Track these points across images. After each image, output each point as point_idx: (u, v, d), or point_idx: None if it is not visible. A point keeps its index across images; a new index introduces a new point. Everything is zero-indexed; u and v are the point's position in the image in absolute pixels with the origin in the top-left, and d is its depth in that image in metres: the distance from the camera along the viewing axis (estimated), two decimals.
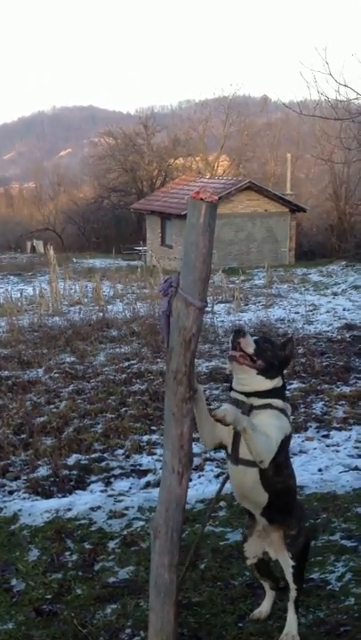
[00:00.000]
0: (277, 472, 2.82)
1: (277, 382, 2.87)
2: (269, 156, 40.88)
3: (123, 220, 40.43)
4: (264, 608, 3.26)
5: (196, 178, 30.55)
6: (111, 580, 3.73)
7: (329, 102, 12.67)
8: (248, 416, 2.76)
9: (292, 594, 3.01)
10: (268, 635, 3.10)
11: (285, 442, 2.82)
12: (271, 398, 2.83)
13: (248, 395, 2.85)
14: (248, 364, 2.81)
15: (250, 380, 2.83)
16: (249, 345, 2.81)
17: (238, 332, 2.84)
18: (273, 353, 2.86)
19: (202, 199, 2.51)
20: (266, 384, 2.83)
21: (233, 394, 2.90)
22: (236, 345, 2.81)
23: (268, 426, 2.76)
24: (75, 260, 28.06)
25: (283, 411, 2.85)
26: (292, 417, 6.89)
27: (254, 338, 2.88)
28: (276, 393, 2.86)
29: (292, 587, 3.00)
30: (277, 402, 2.84)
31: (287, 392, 7.61)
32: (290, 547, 2.98)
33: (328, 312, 13.97)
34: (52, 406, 7.59)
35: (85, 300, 16.04)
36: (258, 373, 2.82)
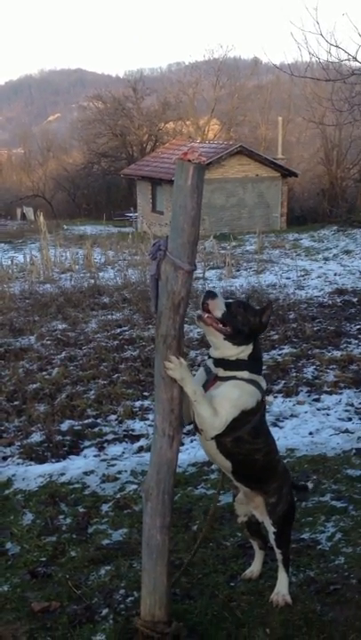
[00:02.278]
0: (237, 444, 2.80)
1: (245, 350, 2.80)
2: (260, 120, 40.35)
3: (113, 186, 40.01)
4: (255, 568, 3.33)
5: (187, 142, 30.15)
6: (105, 542, 3.78)
7: (320, 64, 12.47)
8: (215, 383, 2.77)
9: (279, 556, 3.08)
10: (259, 594, 3.17)
11: (244, 417, 2.76)
12: (237, 370, 2.79)
13: (216, 363, 2.83)
14: (215, 327, 2.77)
15: (218, 343, 2.80)
16: (217, 308, 2.76)
17: (208, 294, 2.79)
18: (244, 319, 2.78)
19: (190, 160, 2.47)
20: (233, 350, 2.79)
21: (208, 361, 2.89)
22: (206, 306, 2.77)
23: (224, 401, 2.73)
24: (65, 227, 27.83)
25: (251, 382, 2.79)
26: (282, 381, 7.00)
27: (228, 301, 2.82)
28: (244, 365, 2.80)
29: (277, 550, 3.06)
30: (243, 374, 2.79)
31: (278, 357, 7.76)
32: (270, 514, 3.02)
33: (319, 277, 13.97)
34: (44, 373, 7.61)
35: (77, 267, 15.96)
36: (225, 338, 2.78)
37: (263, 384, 2.87)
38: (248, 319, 2.80)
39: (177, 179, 2.53)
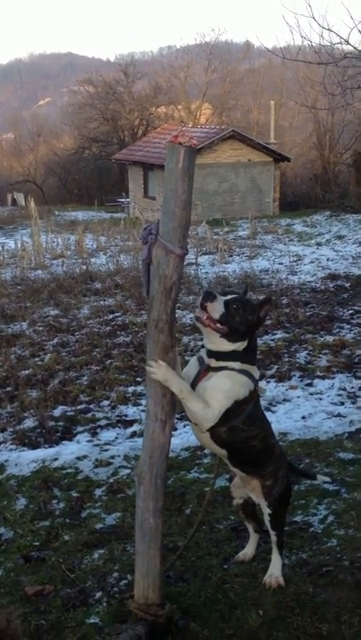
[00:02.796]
0: (232, 434, 2.81)
1: (240, 345, 2.81)
2: (253, 104, 40.11)
3: (105, 171, 39.77)
4: (249, 550, 3.35)
5: (179, 127, 29.97)
6: (98, 526, 3.79)
7: (312, 47, 12.38)
8: (207, 374, 2.78)
9: (273, 538, 3.10)
10: (252, 576, 3.19)
11: (238, 407, 2.77)
12: (230, 361, 2.80)
13: (210, 354, 2.83)
14: (212, 327, 2.76)
15: (215, 340, 2.80)
16: (216, 310, 2.74)
17: (208, 296, 2.76)
18: (241, 319, 2.77)
19: (180, 143, 2.45)
20: (229, 346, 2.79)
21: (202, 350, 2.89)
22: (204, 307, 2.75)
23: (216, 392, 2.74)
24: (57, 213, 27.67)
25: (243, 372, 2.80)
26: (275, 366, 7.02)
27: (227, 298, 2.78)
28: (238, 356, 2.81)
29: (271, 532, 3.09)
30: (234, 364, 2.79)
31: (271, 342, 7.77)
32: (266, 496, 3.05)
33: (312, 262, 13.97)
34: (36, 359, 7.59)
35: (68, 252, 15.90)
36: (221, 336, 2.78)
37: (256, 374, 2.87)
38: (246, 318, 2.79)
39: (168, 162, 2.51)
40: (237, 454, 2.92)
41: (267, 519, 3.08)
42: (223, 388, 2.76)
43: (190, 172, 2.50)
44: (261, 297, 10.04)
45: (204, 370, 2.82)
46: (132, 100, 39.83)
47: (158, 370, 2.66)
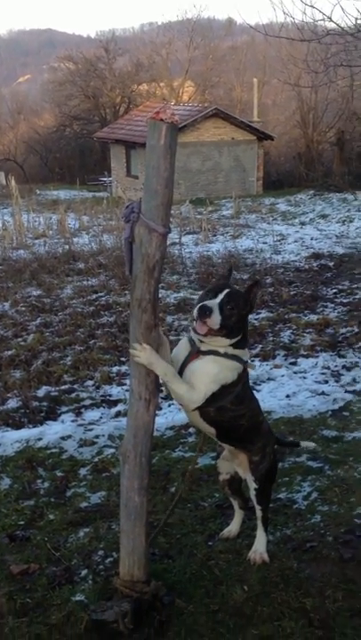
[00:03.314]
0: (220, 413, 2.82)
1: (236, 339, 2.81)
2: (235, 82, 39.79)
3: (86, 150, 39.36)
4: (233, 527, 3.38)
5: (161, 104, 29.67)
6: (83, 505, 3.80)
7: (295, 24, 12.25)
8: (197, 357, 2.77)
9: (258, 513, 3.13)
10: (237, 552, 3.22)
11: (225, 390, 2.78)
12: (221, 345, 2.79)
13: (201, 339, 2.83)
14: (212, 334, 2.75)
15: (211, 341, 2.79)
16: (215, 322, 2.72)
17: (205, 310, 2.71)
18: (237, 317, 2.77)
19: (162, 120, 2.41)
20: (226, 342, 2.79)
21: (192, 333, 2.87)
22: (204, 322, 2.71)
23: (202, 375, 2.74)
24: (38, 192, 27.38)
25: (232, 357, 2.80)
26: (259, 345, 7.03)
27: (219, 300, 2.74)
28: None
29: (257, 507, 3.12)
30: (225, 349, 2.79)
31: (255, 322, 7.79)
32: (253, 471, 3.07)
33: (296, 242, 13.98)
34: (19, 339, 7.55)
35: (50, 232, 15.76)
36: (219, 336, 2.78)
37: (246, 357, 2.87)
38: (241, 314, 2.79)
39: (149, 139, 2.47)
40: (225, 432, 2.94)
41: (253, 494, 3.10)
42: (211, 372, 2.76)
43: (172, 149, 2.47)
44: (245, 277, 10.07)
45: (195, 352, 2.81)
46: (113, 77, 39.35)
47: (142, 353, 2.65)
